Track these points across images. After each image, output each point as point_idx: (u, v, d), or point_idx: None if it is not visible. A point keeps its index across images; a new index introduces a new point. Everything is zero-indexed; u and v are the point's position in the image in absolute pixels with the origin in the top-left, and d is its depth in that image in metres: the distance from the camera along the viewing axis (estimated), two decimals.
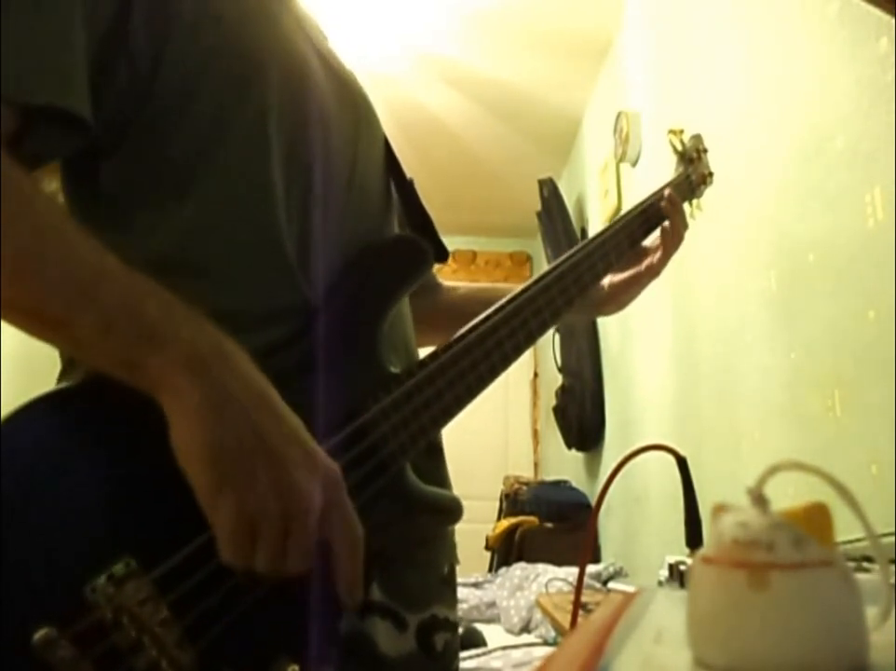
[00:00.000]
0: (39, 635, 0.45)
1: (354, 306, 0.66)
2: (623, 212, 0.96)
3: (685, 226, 0.97)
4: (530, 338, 0.75)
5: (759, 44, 1.63)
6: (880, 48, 1.16)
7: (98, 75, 0.57)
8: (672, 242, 0.95)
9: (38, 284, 0.49)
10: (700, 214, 1.08)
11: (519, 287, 0.78)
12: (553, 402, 3.44)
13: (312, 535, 0.51)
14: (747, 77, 1.69)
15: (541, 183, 3.45)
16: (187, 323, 0.52)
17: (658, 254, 0.95)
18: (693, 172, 1.05)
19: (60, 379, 0.61)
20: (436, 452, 0.75)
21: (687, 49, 2.10)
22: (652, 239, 0.97)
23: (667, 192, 0.97)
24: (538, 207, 3.48)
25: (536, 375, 4.60)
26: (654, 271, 0.95)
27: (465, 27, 2.86)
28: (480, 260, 4.71)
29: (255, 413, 0.51)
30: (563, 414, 3.32)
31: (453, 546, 0.78)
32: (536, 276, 0.80)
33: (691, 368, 2.04)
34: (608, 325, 3.00)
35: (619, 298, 0.96)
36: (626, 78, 2.76)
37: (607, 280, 0.95)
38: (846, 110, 1.26)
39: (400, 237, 0.77)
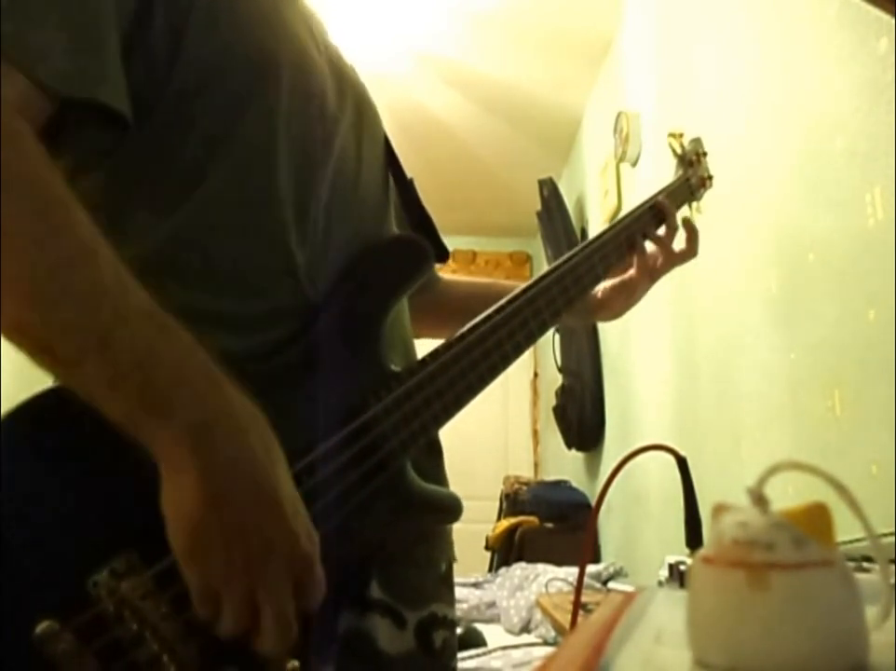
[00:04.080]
0: (41, 627, 0.45)
1: (355, 305, 0.66)
2: (623, 213, 0.96)
3: (696, 253, 0.96)
4: (530, 338, 0.75)
5: (759, 44, 1.63)
6: (880, 48, 1.16)
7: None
8: (673, 259, 0.94)
9: (50, 319, 0.46)
10: (700, 216, 1.08)
11: (519, 286, 0.78)
12: (553, 402, 3.44)
13: (280, 616, 0.50)
14: (747, 77, 1.69)
15: (541, 183, 3.45)
16: (201, 384, 0.49)
17: (660, 260, 0.94)
18: (692, 176, 1.05)
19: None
20: (435, 451, 0.75)
21: (687, 49, 2.10)
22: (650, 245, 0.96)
23: (658, 199, 0.96)
24: (538, 207, 3.48)
25: (536, 375, 4.60)
26: (647, 278, 0.93)
27: (465, 28, 2.86)
28: (480, 260, 4.71)
29: (248, 500, 0.49)
30: (562, 414, 3.32)
31: (450, 544, 0.79)
32: (536, 276, 0.80)
33: (691, 368, 2.04)
34: (608, 325, 3.00)
35: (613, 304, 0.95)
36: (626, 78, 2.76)
37: (601, 286, 0.93)
38: (846, 110, 1.26)
39: (401, 236, 0.77)
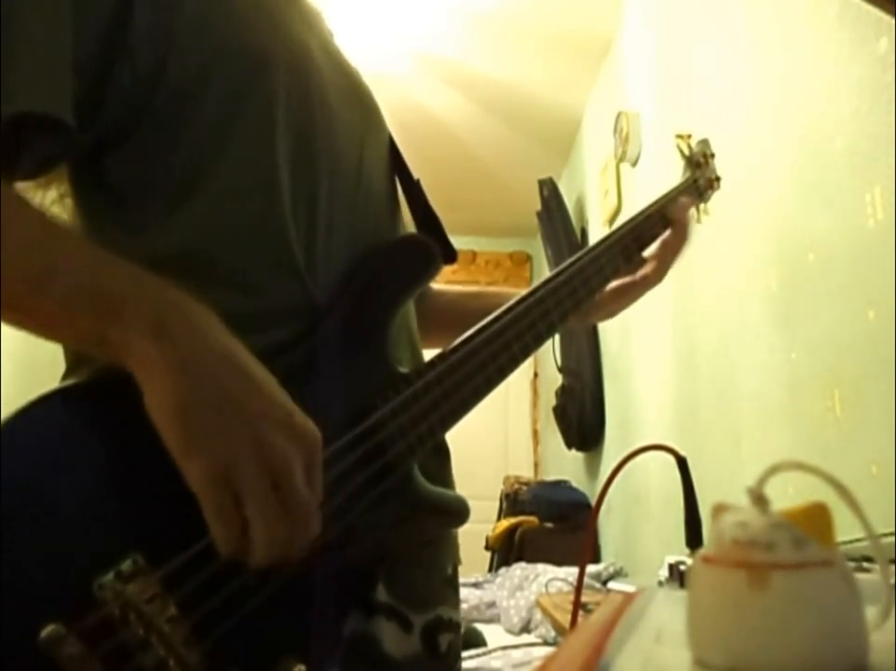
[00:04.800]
0: (47, 630, 0.45)
1: (362, 305, 0.65)
2: (625, 212, 0.95)
3: (686, 238, 0.94)
4: (538, 340, 0.75)
5: (759, 44, 1.63)
6: (880, 48, 1.16)
7: (97, 75, 0.57)
8: (669, 253, 0.92)
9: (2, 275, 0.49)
10: (706, 218, 1.08)
11: (522, 291, 0.77)
12: (553, 402, 3.44)
13: (304, 492, 0.50)
14: (747, 77, 1.69)
15: (541, 183, 3.45)
16: (148, 290, 0.52)
17: (654, 265, 0.92)
18: (700, 177, 1.05)
19: (65, 377, 0.61)
20: (442, 453, 0.74)
21: (687, 49, 2.10)
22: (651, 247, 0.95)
23: (682, 200, 0.94)
24: (538, 207, 3.48)
25: (536, 375, 4.61)
26: (649, 281, 0.92)
27: (465, 28, 2.86)
28: (480, 260, 4.71)
29: (223, 373, 0.51)
30: (563, 414, 3.32)
31: (456, 547, 0.78)
32: (543, 278, 0.79)
33: (691, 368, 2.04)
34: (608, 325, 3.00)
35: (610, 307, 0.93)
36: (626, 78, 2.76)
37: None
38: (846, 110, 1.26)
39: (409, 237, 0.77)
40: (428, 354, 0.71)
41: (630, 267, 0.92)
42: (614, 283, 0.92)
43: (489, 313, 0.73)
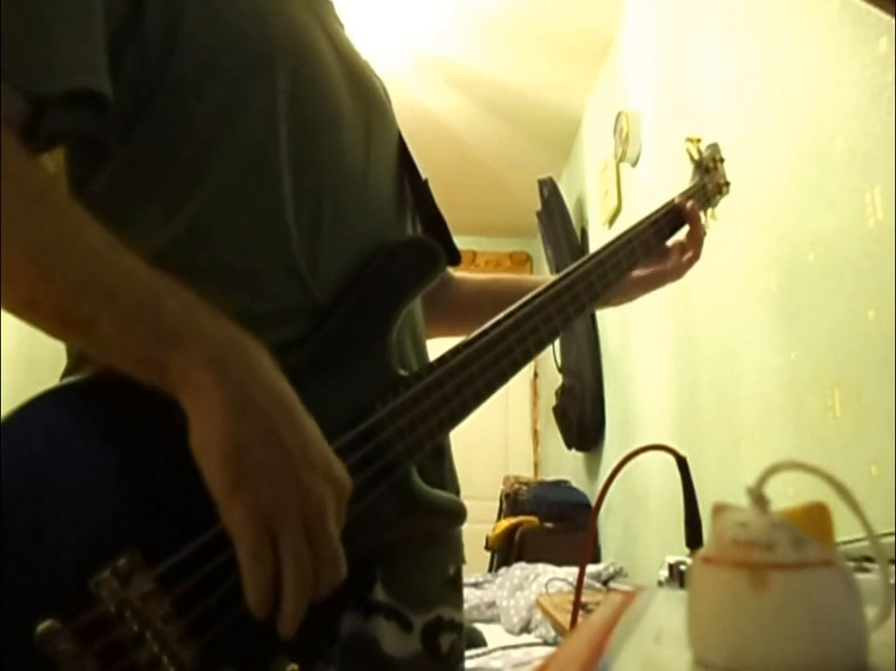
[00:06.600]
0: (42, 627, 0.45)
1: (364, 307, 0.65)
2: (625, 212, 0.96)
3: (703, 235, 0.99)
4: (540, 345, 0.74)
5: (759, 44, 1.63)
6: (880, 48, 1.16)
7: (111, 61, 0.57)
8: (693, 251, 0.97)
9: (59, 286, 0.49)
10: (714, 222, 1.08)
11: (529, 293, 0.76)
12: (553, 402, 3.44)
13: (336, 540, 0.51)
14: (747, 77, 1.69)
15: (541, 183, 3.45)
16: (207, 322, 0.52)
17: (676, 260, 0.97)
18: (709, 182, 1.05)
19: (64, 376, 0.61)
20: (441, 454, 0.74)
21: (687, 49, 2.10)
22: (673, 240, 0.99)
23: (689, 204, 0.98)
24: (538, 207, 3.48)
25: (536, 375, 4.60)
26: (674, 274, 0.98)
27: (465, 28, 2.86)
28: (480, 260, 4.71)
29: (275, 415, 0.51)
30: (563, 414, 3.32)
31: (459, 547, 0.77)
32: (546, 283, 0.78)
33: (691, 368, 2.04)
34: (608, 325, 3.01)
35: (631, 293, 0.98)
36: (626, 78, 2.76)
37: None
38: (846, 110, 1.26)
39: (413, 238, 0.76)
40: (434, 354, 0.70)
41: (652, 258, 0.95)
42: (640, 273, 0.96)
43: (508, 301, 0.74)
